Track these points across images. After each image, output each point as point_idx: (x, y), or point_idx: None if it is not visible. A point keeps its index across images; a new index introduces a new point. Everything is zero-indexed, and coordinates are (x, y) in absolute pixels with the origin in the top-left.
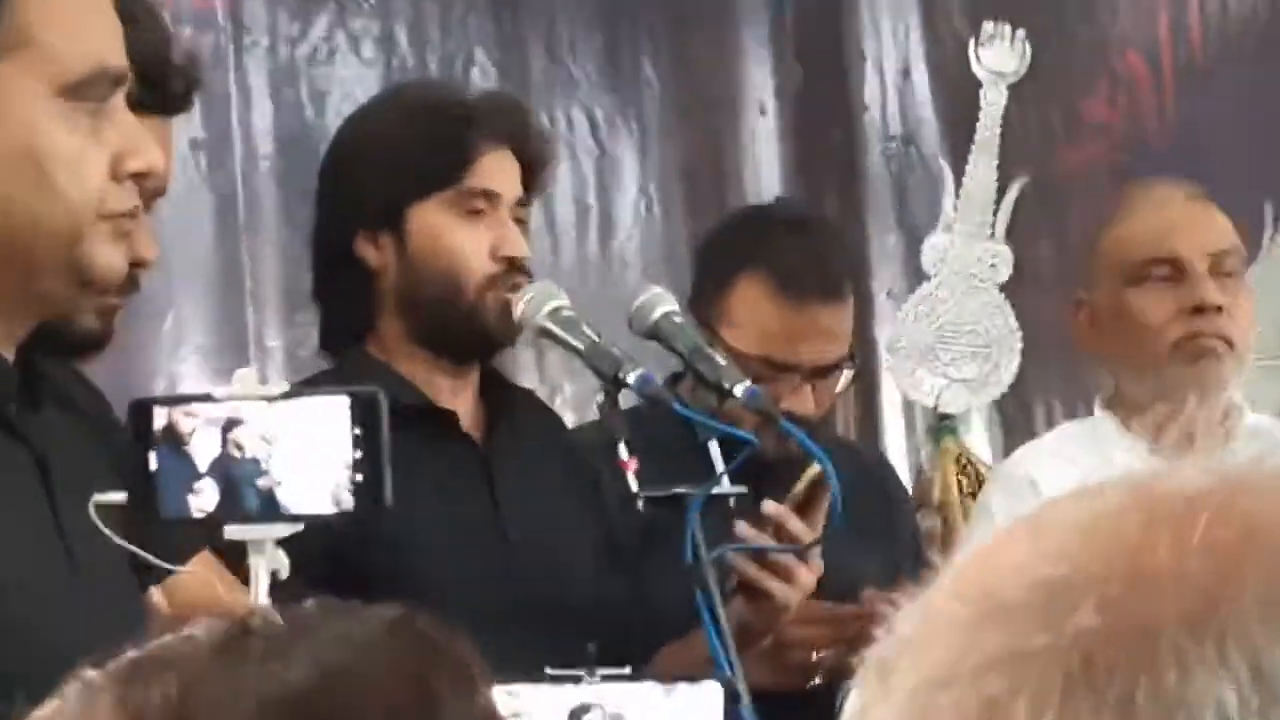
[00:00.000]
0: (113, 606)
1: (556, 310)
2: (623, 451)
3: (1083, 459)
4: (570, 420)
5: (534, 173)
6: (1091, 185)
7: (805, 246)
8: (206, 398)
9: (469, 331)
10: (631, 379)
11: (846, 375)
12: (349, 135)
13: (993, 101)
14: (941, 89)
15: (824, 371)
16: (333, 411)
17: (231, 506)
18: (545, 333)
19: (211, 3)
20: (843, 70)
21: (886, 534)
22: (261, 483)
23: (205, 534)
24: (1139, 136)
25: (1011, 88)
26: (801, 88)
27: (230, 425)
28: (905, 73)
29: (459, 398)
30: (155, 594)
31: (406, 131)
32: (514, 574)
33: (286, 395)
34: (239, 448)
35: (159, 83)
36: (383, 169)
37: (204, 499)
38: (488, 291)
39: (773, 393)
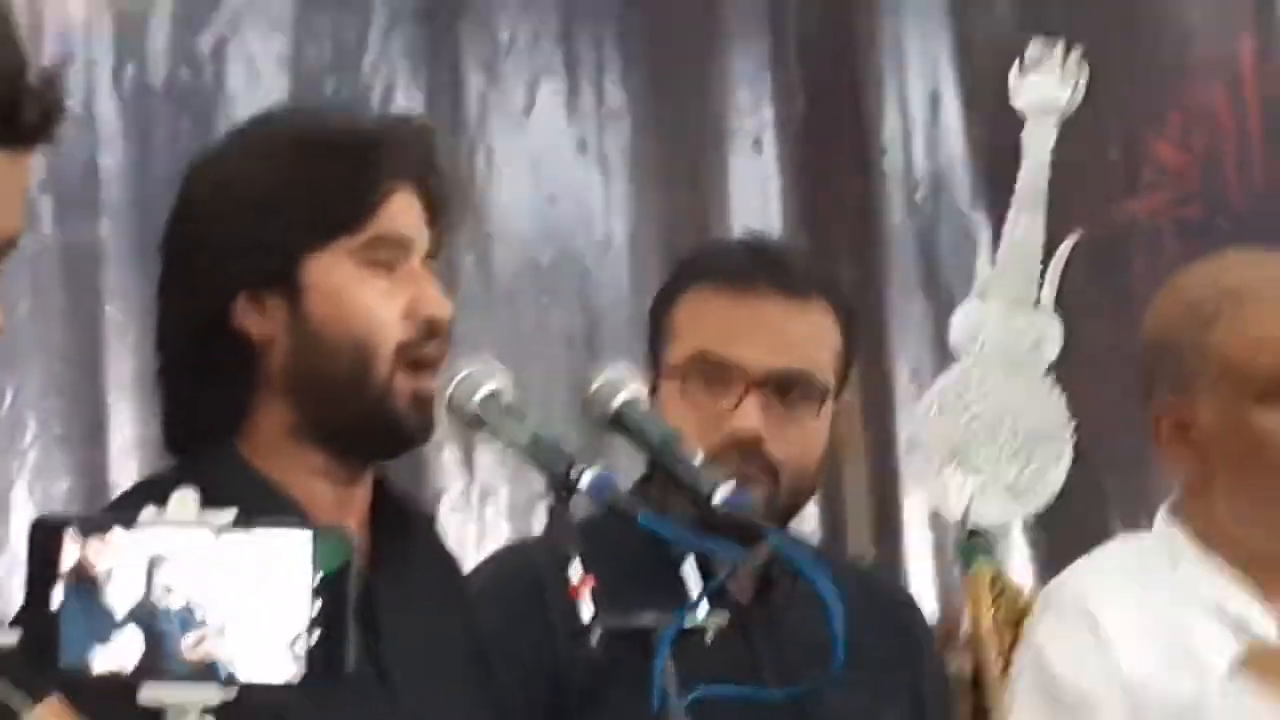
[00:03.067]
0: None
1: (493, 395)
2: (574, 572)
3: (1148, 584)
4: (507, 533)
5: (439, 221)
6: (1157, 244)
7: (761, 249)
8: (128, 521)
9: (375, 423)
10: (585, 482)
11: (825, 409)
12: (213, 178)
13: (1039, 141)
14: (978, 123)
15: (777, 383)
16: (290, 550)
17: (154, 661)
18: (478, 423)
19: (69, 12)
20: (856, 99)
21: (906, 682)
22: (192, 635)
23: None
24: (1217, 185)
25: (1062, 124)
26: (806, 119)
27: (156, 563)
28: (934, 102)
29: (343, 513)
30: None
31: (295, 169)
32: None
33: (235, 525)
34: (168, 590)
35: (8, 110)
36: (268, 214)
37: (119, 653)
38: (399, 368)
39: (711, 409)
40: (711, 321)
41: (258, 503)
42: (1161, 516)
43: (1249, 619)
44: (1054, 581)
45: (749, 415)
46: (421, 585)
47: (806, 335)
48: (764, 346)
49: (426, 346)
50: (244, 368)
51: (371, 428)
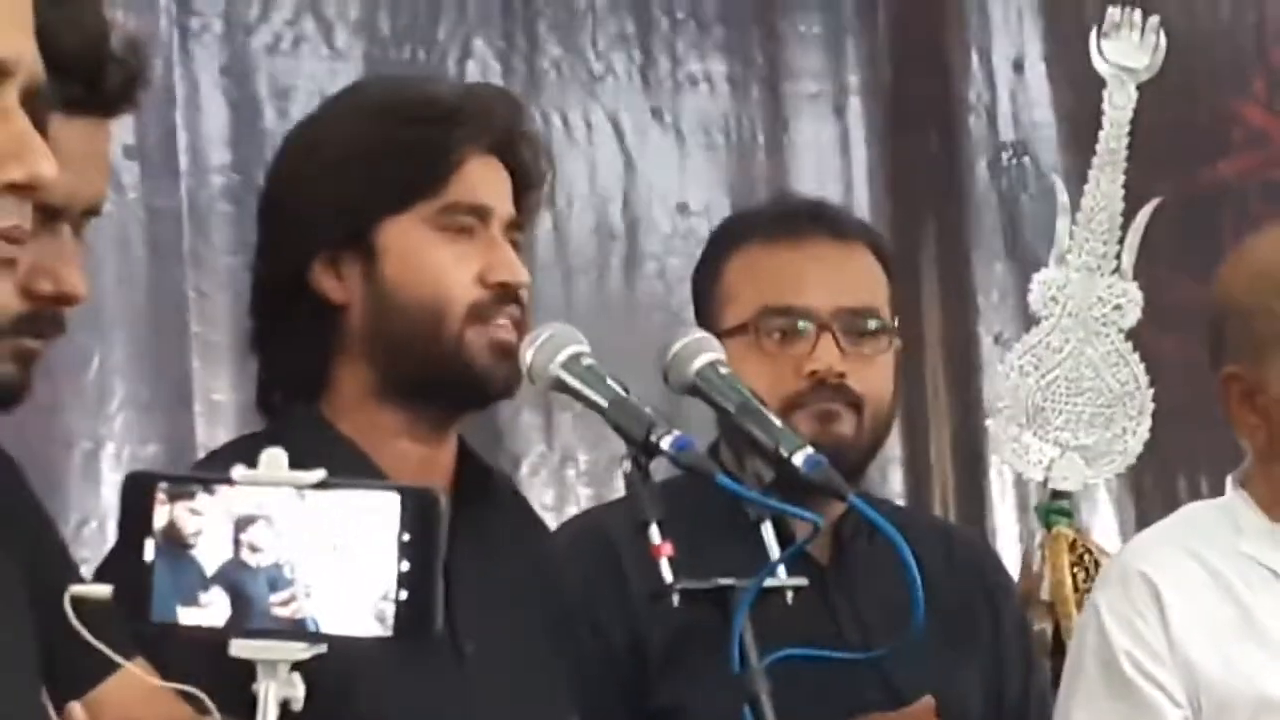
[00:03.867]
0: None
1: (575, 358)
2: (654, 534)
3: (1211, 554)
4: (586, 497)
5: (526, 189)
6: (1243, 207)
7: (798, 202)
8: (222, 480)
9: (452, 375)
10: (666, 444)
11: (892, 346)
12: (300, 143)
13: (1119, 104)
14: (1063, 87)
15: (847, 321)
16: (378, 510)
17: (242, 618)
18: (560, 386)
19: None
20: (943, 63)
21: (986, 638)
22: (281, 594)
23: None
24: None
25: (1142, 87)
26: (892, 83)
27: (245, 522)
28: (1019, 66)
29: (426, 478)
30: (76, 711)
31: (374, 135)
32: (467, 695)
33: (323, 485)
34: (255, 550)
35: (92, 77)
36: (345, 179)
37: (210, 611)
38: (473, 325)
39: (791, 357)
40: (770, 275)
41: (340, 464)
42: (1230, 484)
43: None
44: (1123, 548)
45: (829, 353)
46: (501, 551)
47: (863, 275)
48: (829, 288)
49: (500, 309)
50: (324, 330)
51: (449, 380)
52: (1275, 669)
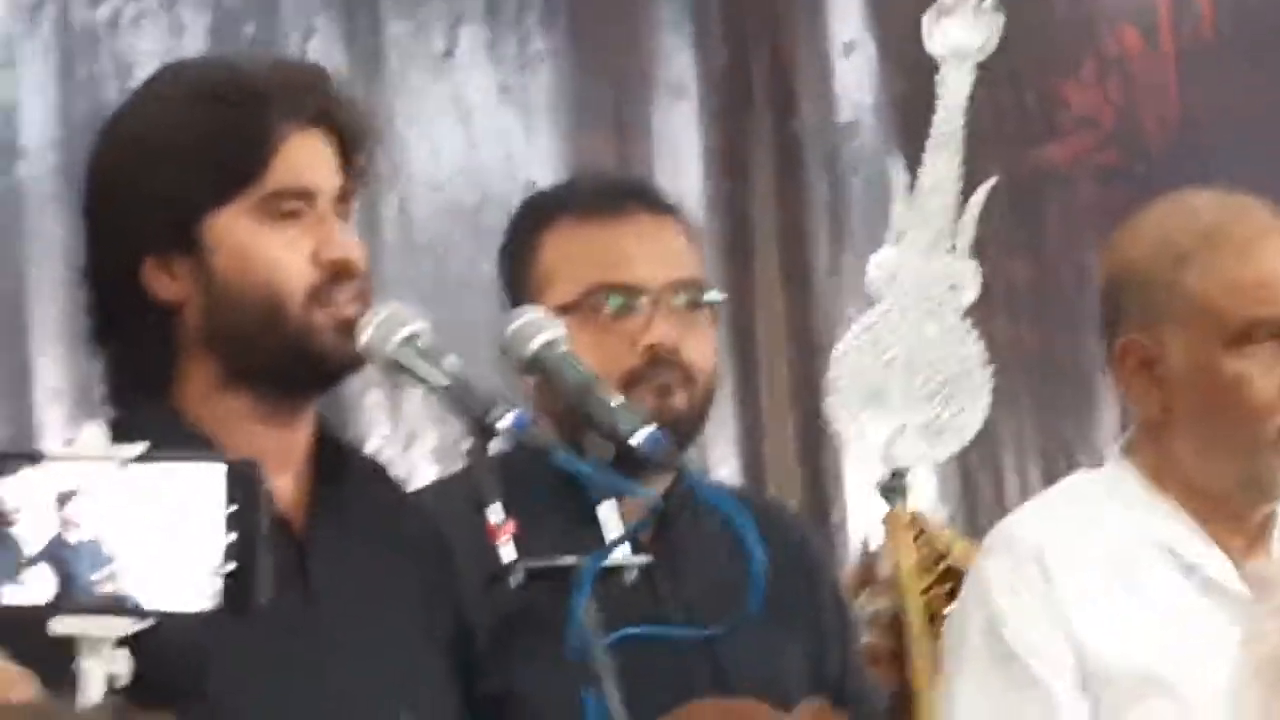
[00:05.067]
0: None
1: (410, 338)
2: (494, 514)
3: (1098, 526)
4: (433, 476)
5: (352, 158)
6: (1072, 189)
7: (604, 177)
8: (36, 457)
9: (299, 357)
10: (505, 423)
11: (715, 304)
12: (115, 138)
13: (954, 86)
14: (893, 69)
15: (679, 294)
16: (202, 483)
17: (66, 596)
18: (397, 367)
19: None
20: (776, 47)
21: (807, 614)
22: (103, 570)
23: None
24: (1134, 129)
25: (978, 68)
26: (727, 66)
27: (66, 498)
28: (849, 49)
29: (285, 458)
30: None
31: (187, 124)
32: (331, 673)
33: (143, 459)
34: (75, 526)
35: None
36: (164, 176)
37: (30, 590)
38: (315, 306)
39: (626, 332)
40: (597, 251)
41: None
42: (1114, 455)
43: (1203, 563)
44: (1006, 520)
45: (663, 328)
46: (364, 530)
47: (684, 247)
48: (656, 261)
49: (340, 288)
50: (162, 329)
51: (295, 362)
52: (1161, 643)
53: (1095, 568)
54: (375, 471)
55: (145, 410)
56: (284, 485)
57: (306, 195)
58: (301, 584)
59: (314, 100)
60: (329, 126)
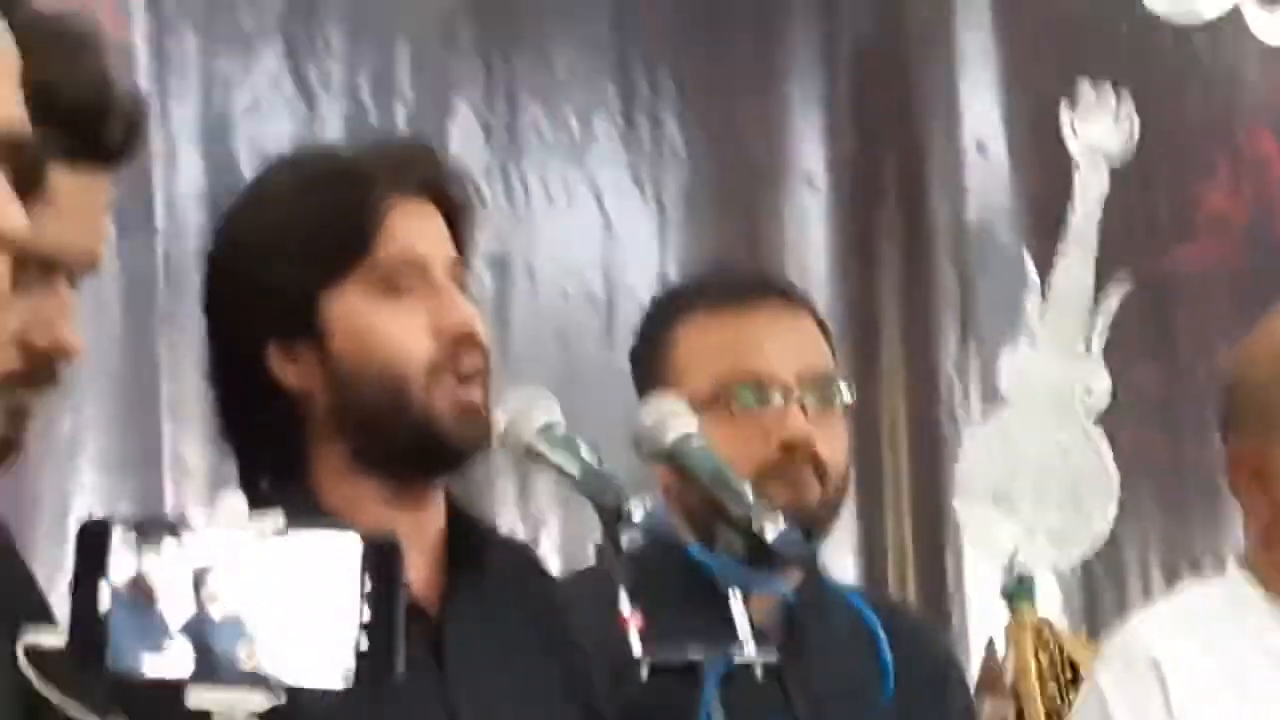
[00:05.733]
0: None
1: (549, 427)
2: (624, 605)
3: (1215, 634)
4: (558, 565)
5: (462, 227)
6: (1204, 294)
7: (733, 270)
8: (181, 527)
9: (423, 442)
10: (638, 516)
11: (845, 396)
12: (229, 231)
13: (1090, 185)
14: (1028, 168)
15: (813, 388)
16: (339, 556)
17: (205, 669)
18: (532, 454)
19: (128, 33)
20: (908, 141)
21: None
22: (242, 643)
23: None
24: (1268, 232)
25: (1115, 170)
26: (858, 159)
27: (206, 572)
28: (982, 147)
29: (416, 541)
30: None
31: (293, 209)
32: None
33: (283, 530)
34: (215, 600)
35: (94, 128)
36: (275, 261)
37: (170, 662)
38: (436, 385)
39: (760, 426)
40: (726, 342)
41: None
42: (1232, 564)
43: None
44: (1125, 627)
45: (799, 422)
46: (501, 612)
47: (817, 339)
48: (790, 353)
49: (460, 359)
50: (290, 416)
51: (420, 449)
52: None
53: (1212, 675)
54: (515, 553)
55: (282, 493)
56: (418, 571)
57: (418, 265)
58: (437, 669)
59: (418, 172)
60: (435, 198)
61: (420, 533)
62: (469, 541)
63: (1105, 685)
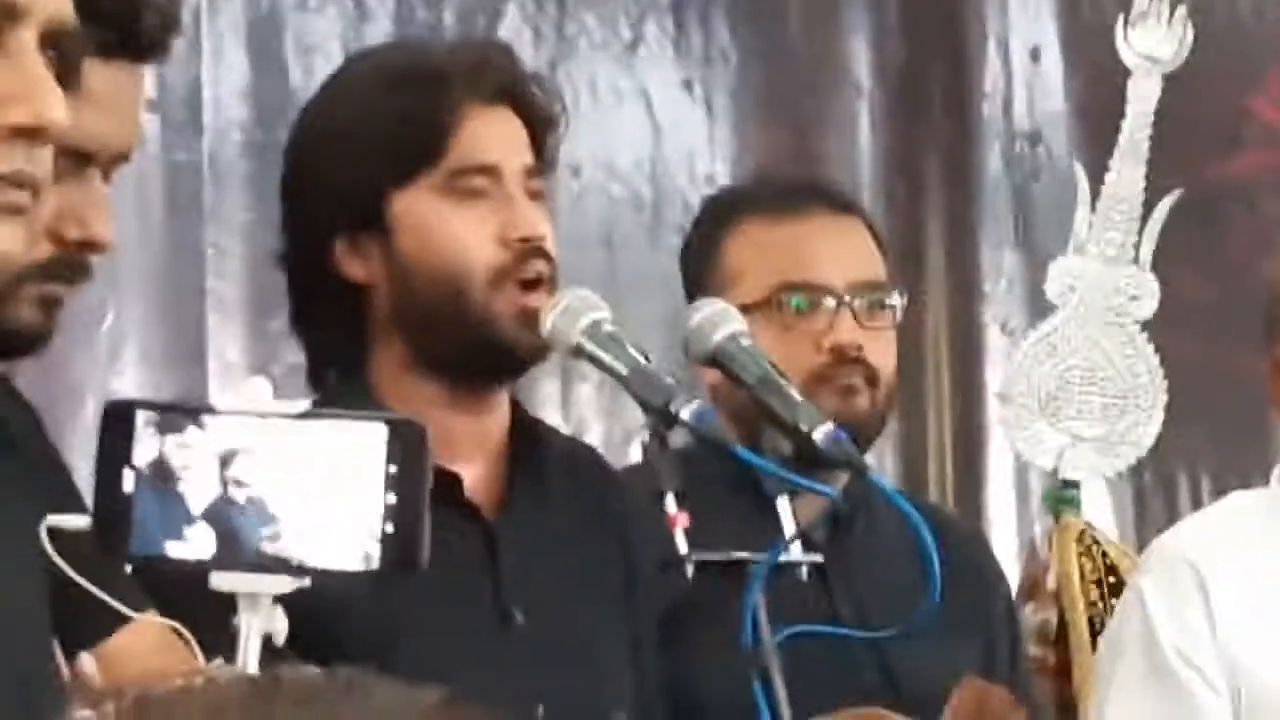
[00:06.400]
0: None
1: (596, 324)
2: (671, 504)
3: (1258, 543)
4: None
5: (540, 134)
6: (1253, 204)
7: (787, 179)
8: (205, 411)
9: (482, 347)
10: (686, 414)
11: (897, 307)
12: (306, 124)
13: (1144, 94)
14: (1080, 76)
15: (863, 296)
16: (364, 442)
17: (228, 553)
18: (580, 352)
19: None
20: (958, 47)
21: (979, 622)
22: (266, 528)
23: (179, 582)
24: None
25: (1167, 78)
26: (906, 66)
27: (230, 456)
28: (1035, 54)
29: (477, 443)
30: (87, 662)
31: (370, 108)
32: (515, 663)
33: (307, 415)
34: (239, 484)
35: (128, 22)
36: (351, 156)
37: (193, 546)
38: (499, 290)
39: (810, 332)
40: (782, 250)
41: None
42: (1276, 474)
43: None
44: (1166, 534)
45: (849, 328)
46: (560, 515)
47: (869, 248)
48: (842, 262)
49: (525, 267)
50: (354, 310)
51: (479, 353)
52: None
53: (1254, 583)
54: (578, 457)
55: (340, 389)
56: (477, 472)
57: (490, 172)
58: (492, 572)
59: (497, 78)
60: (515, 104)
61: (481, 435)
62: (531, 445)
63: (1145, 588)
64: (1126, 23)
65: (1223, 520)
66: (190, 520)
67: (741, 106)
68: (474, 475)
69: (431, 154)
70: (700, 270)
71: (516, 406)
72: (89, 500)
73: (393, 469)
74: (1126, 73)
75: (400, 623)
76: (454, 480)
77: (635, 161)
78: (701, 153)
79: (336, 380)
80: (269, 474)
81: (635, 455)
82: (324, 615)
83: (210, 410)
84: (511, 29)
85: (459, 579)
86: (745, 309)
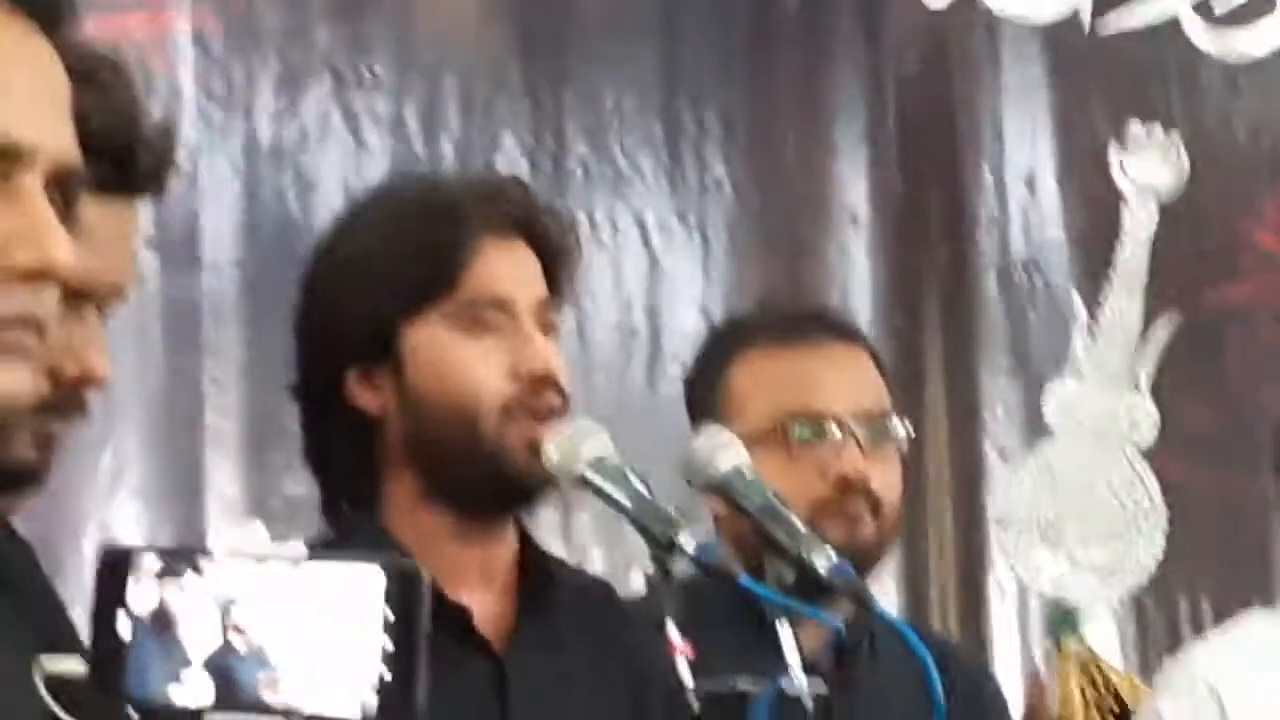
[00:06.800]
0: None
1: (599, 457)
2: (673, 634)
3: (1277, 666)
4: None
5: (556, 268)
6: (1251, 331)
7: (790, 308)
8: (202, 555)
9: (492, 479)
10: (689, 545)
11: (901, 437)
12: (321, 256)
13: (1139, 221)
14: (1076, 204)
15: (868, 424)
16: (361, 586)
17: (225, 698)
18: (583, 483)
19: (175, 69)
20: (954, 176)
21: None
22: (265, 673)
23: None
24: None
25: (1163, 206)
26: (903, 195)
27: (229, 604)
28: (1030, 182)
29: (485, 574)
30: None
31: (385, 240)
32: None
33: (304, 560)
34: (239, 631)
35: (123, 157)
36: (363, 288)
37: (192, 692)
38: (510, 423)
39: (815, 461)
40: (783, 379)
41: None
42: None
43: None
44: (1182, 655)
45: (855, 458)
46: (571, 646)
47: (873, 377)
48: (846, 391)
49: (537, 400)
50: (366, 442)
51: (490, 485)
52: None
53: (1268, 705)
54: (588, 590)
55: (353, 524)
56: (486, 603)
57: (503, 305)
58: (501, 707)
59: (510, 210)
60: (529, 237)
61: (490, 566)
62: (540, 577)
63: (1164, 709)
64: (1121, 149)
65: (1238, 641)
66: (189, 666)
67: (737, 238)
68: (483, 608)
69: (444, 286)
70: (704, 398)
71: (527, 539)
72: (85, 637)
73: (389, 614)
74: (1122, 199)
75: None
76: (462, 613)
77: (633, 294)
78: (697, 282)
79: (349, 512)
80: (267, 620)
81: (637, 584)
82: None
83: (207, 554)
84: (508, 161)
85: (468, 713)
86: (750, 438)
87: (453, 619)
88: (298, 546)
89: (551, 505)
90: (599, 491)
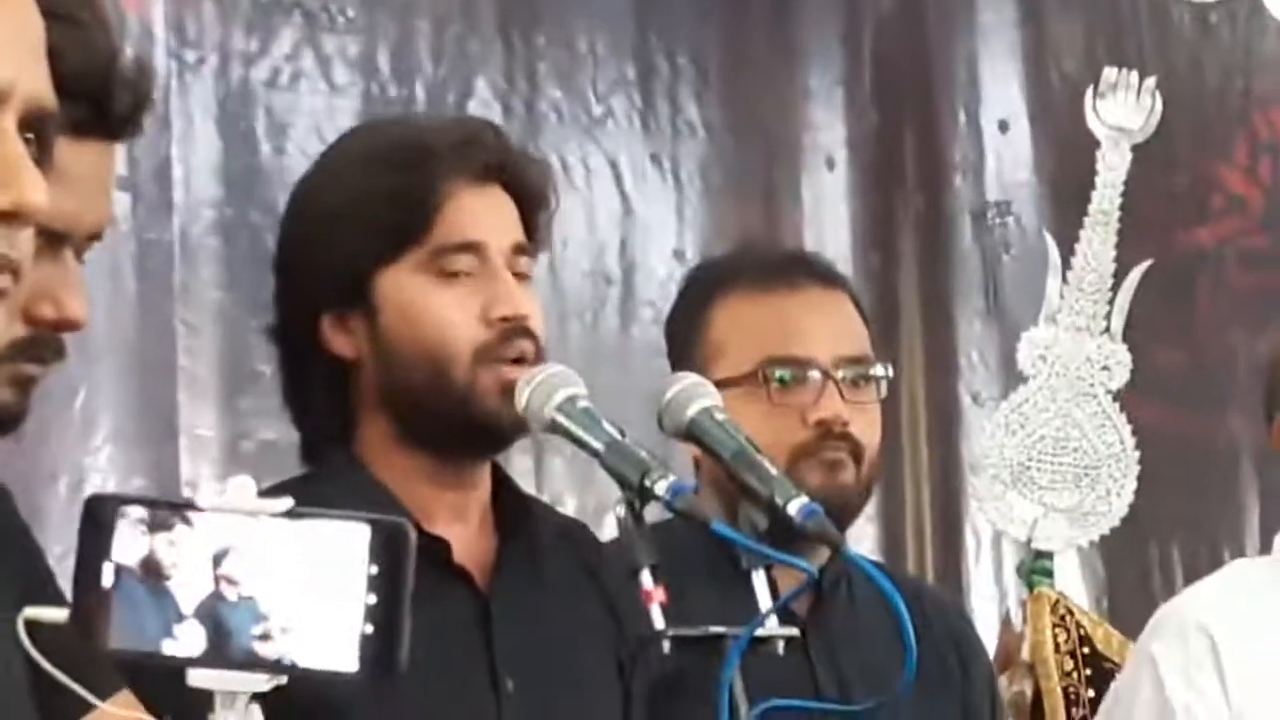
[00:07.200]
0: None
1: (571, 400)
2: (646, 579)
3: (1270, 612)
4: None
5: (532, 214)
6: (1220, 273)
7: (776, 251)
8: (192, 508)
9: (464, 423)
10: (661, 489)
11: (880, 383)
12: (297, 200)
13: (1113, 165)
14: (1049, 147)
15: (849, 370)
16: (346, 542)
17: (217, 652)
18: (555, 428)
19: (147, 10)
20: (929, 120)
21: (957, 695)
22: (257, 626)
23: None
24: None
25: (1136, 149)
26: (878, 139)
27: (221, 555)
28: (1004, 126)
29: (462, 514)
30: None
31: (358, 186)
32: None
33: (292, 514)
34: (231, 582)
35: (100, 99)
36: (337, 234)
37: (184, 643)
38: (482, 367)
39: (795, 406)
40: (768, 324)
41: (373, 507)
42: (1278, 541)
43: None
44: (1173, 603)
45: (835, 403)
46: (550, 585)
47: (855, 323)
48: (827, 337)
49: (509, 345)
50: (341, 385)
51: (462, 430)
52: None
53: (1261, 647)
54: (564, 526)
55: (333, 463)
56: (466, 538)
57: (475, 250)
58: (484, 637)
59: (484, 156)
60: (504, 183)
61: (466, 508)
62: (519, 514)
63: (1157, 653)
64: (1095, 94)
65: (1231, 587)
66: (181, 618)
67: (711, 181)
68: (462, 543)
69: (416, 232)
70: (685, 343)
71: (503, 480)
72: (62, 580)
73: (374, 570)
74: (1095, 143)
75: (393, 690)
76: (442, 545)
77: (606, 238)
78: (670, 226)
79: (326, 454)
80: (258, 573)
81: (610, 529)
82: (317, 683)
83: (196, 507)
84: (481, 104)
85: (452, 646)
86: (730, 383)
87: (433, 552)
88: (285, 500)
89: (524, 450)
90: (570, 435)
